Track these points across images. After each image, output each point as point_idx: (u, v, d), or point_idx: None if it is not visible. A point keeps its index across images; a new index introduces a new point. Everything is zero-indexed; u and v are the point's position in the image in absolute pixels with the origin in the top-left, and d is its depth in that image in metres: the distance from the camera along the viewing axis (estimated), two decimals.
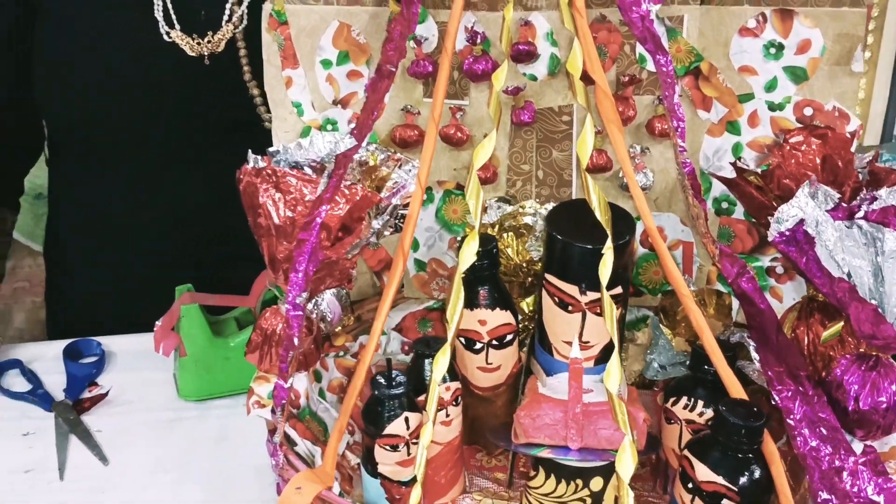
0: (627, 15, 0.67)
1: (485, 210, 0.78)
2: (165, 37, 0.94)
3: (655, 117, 0.74)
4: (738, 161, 0.70)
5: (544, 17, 0.71)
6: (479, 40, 0.72)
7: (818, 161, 0.63)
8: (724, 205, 0.76)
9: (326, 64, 0.75)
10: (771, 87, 0.71)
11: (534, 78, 0.74)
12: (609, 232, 0.58)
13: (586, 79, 0.62)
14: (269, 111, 0.86)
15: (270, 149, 0.68)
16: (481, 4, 0.72)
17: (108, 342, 0.95)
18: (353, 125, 0.76)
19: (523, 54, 0.72)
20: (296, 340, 0.62)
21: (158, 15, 0.94)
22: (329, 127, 0.76)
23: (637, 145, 0.76)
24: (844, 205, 0.60)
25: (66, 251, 1.09)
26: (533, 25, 0.72)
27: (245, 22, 0.96)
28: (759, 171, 0.66)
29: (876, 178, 0.63)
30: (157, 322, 0.85)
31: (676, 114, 0.64)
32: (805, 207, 0.60)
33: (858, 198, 0.61)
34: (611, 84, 0.73)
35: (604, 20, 0.71)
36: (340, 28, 0.74)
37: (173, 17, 0.95)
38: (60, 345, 0.94)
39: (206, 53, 0.95)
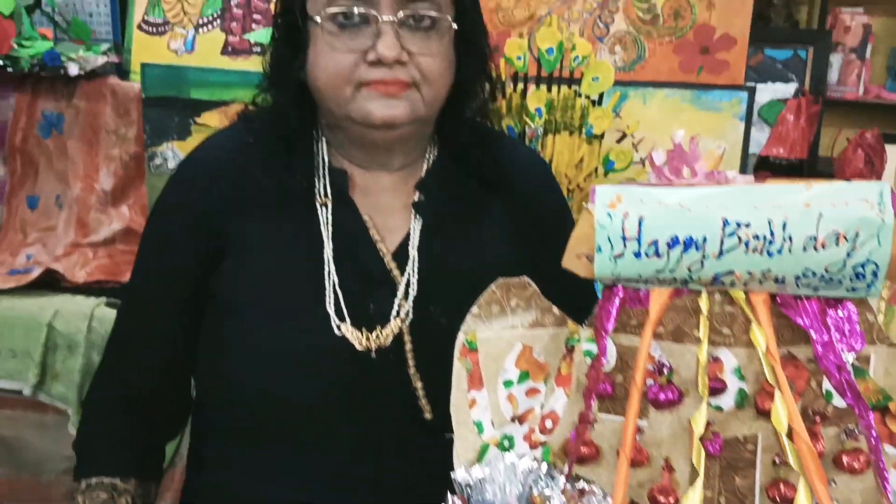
0: (823, 363, 0.67)
1: None
2: (336, 331, 0.94)
3: (843, 451, 0.72)
4: None
5: (732, 353, 0.72)
6: (664, 371, 0.72)
7: None
8: None
9: (508, 384, 0.75)
10: None
11: (720, 409, 0.73)
12: None
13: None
14: (429, 404, 0.93)
15: (456, 477, 0.68)
16: (667, 336, 0.72)
17: None
18: (528, 444, 0.76)
19: (711, 390, 0.71)
20: None
21: (330, 309, 0.95)
22: (506, 443, 0.76)
23: None
24: None
25: None
26: (721, 361, 0.72)
27: (411, 316, 0.96)
28: None
29: None
30: None
31: (884, 475, 0.63)
32: None
33: None
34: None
35: (791, 358, 0.71)
36: (524, 350, 0.75)
37: (345, 310, 0.95)
38: None
39: (373, 348, 0.94)
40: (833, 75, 1.73)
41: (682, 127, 1.64)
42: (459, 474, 0.71)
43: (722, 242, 0.67)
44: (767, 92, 1.64)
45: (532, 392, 0.76)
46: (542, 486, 0.70)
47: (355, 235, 0.98)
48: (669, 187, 0.68)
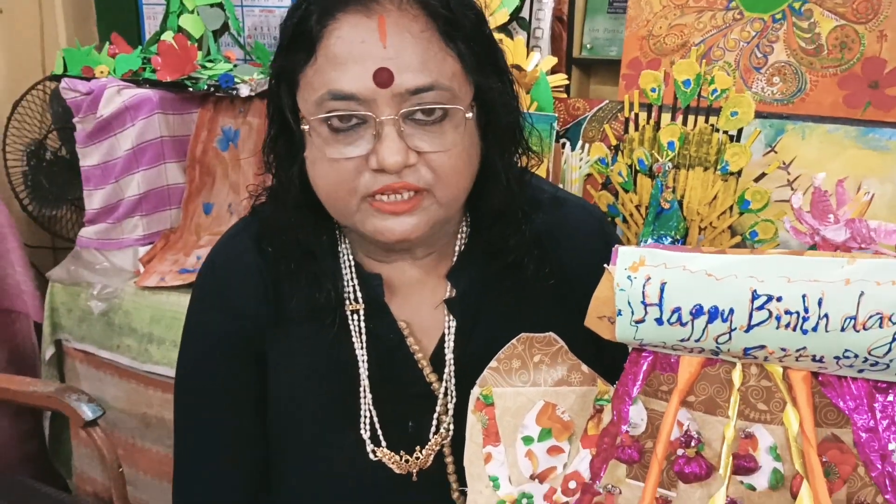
0: (864, 451, 0.61)
1: None
2: (371, 455, 0.88)
3: None
4: None
5: (768, 430, 0.66)
6: (693, 443, 0.68)
7: None
8: None
9: (528, 441, 0.74)
10: None
11: (752, 488, 0.68)
12: None
13: None
14: None
15: None
16: (698, 406, 0.68)
17: None
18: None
19: (743, 469, 0.66)
20: None
21: (365, 433, 0.89)
22: (525, 501, 0.74)
23: None
24: None
25: None
26: (755, 437, 0.67)
27: (452, 431, 0.89)
28: None
29: None
30: None
31: None
32: None
33: None
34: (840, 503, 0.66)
35: (836, 440, 0.65)
36: (545, 407, 0.73)
37: (380, 433, 0.89)
38: None
39: (413, 471, 0.89)
40: None
41: (844, 166, 1.52)
42: None
43: (751, 316, 0.62)
44: None
45: (554, 450, 0.74)
46: None
47: (392, 346, 0.89)
48: (697, 253, 0.64)
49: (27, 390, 1.54)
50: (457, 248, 0.91)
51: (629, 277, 0.65)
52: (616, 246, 0.66)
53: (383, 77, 0.73)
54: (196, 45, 1.92)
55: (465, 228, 0.91)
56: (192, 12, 1.98)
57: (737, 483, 0.68)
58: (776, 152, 1.55)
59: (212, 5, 2.00)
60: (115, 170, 1.87)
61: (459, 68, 0.78)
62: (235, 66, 1.97)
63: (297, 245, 0.88)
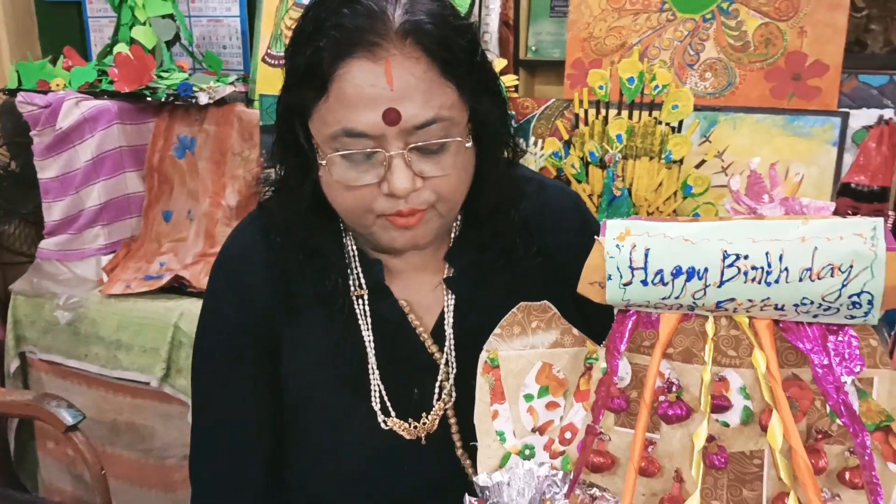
0: (822, 385, 0.72)
1: None
2: (383, 425, 0.97)
3: (846, 468, 0.76)
4: None
5: (738, 373, 0.77)
6: (673, 388, 0.78)
7: None
8: None
9: (528, 398, 0.83)
10: None
11: (726, 425, 0.78)
12: None
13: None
14: (475, 473, 0.85)
15: (477, 481, 0.75)
16: (677, 356, 0.78)
17: None
18: (548, 454, 0.83)
19: (718, 407, 0.77)
20: None
21: (376, 405, 0.97)
22: (527, 452, 0.83)
23: (828, 491, 0.77)
24: None
25: None
26: (727, 380, 0.77)
27: (454, 396, 0.98)
28: None
29: None
30: None
31: (877, 490, 0.66)
32: None
33: None
34: (801, 434, 0.76)
35: (795, 378, 0.76)
36: (543, 367, 0.82)
37: (388, 403, 0.97)
38: None
39: (422, 435, 0.98)
40: None
41: (773, 152, 1.66)
42: (481, 478, 0.79)
43: (722, 273, 0.72)
44: (862, 118, 1.62)
45: (552, 406, 0.83)
46: (555, 490, 0.78)
47: (394, 323, 0.98)
48: (674, 222, 0.74)
49: (5, 399, 1.56)
50: (453, 235, 1.01)
51: (617, 246, 0.74)
52: (604, 220, 0.75)
53: (392, 117, 0.82)
54: (151, 55, 1.96)
55: (459, 217, 1.00)
56: (144, 24, 2.01)
57: (713, 421, 0.78)
58: (710, 142, 1.68)
59: (163, 16, 2.04)
60: (75, 181, 1.89)
61: (457, 97, 0.86)
62: (191, 74, 2.01)
63: (307, 240, 0.96)
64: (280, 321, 0.98)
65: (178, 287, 1.87)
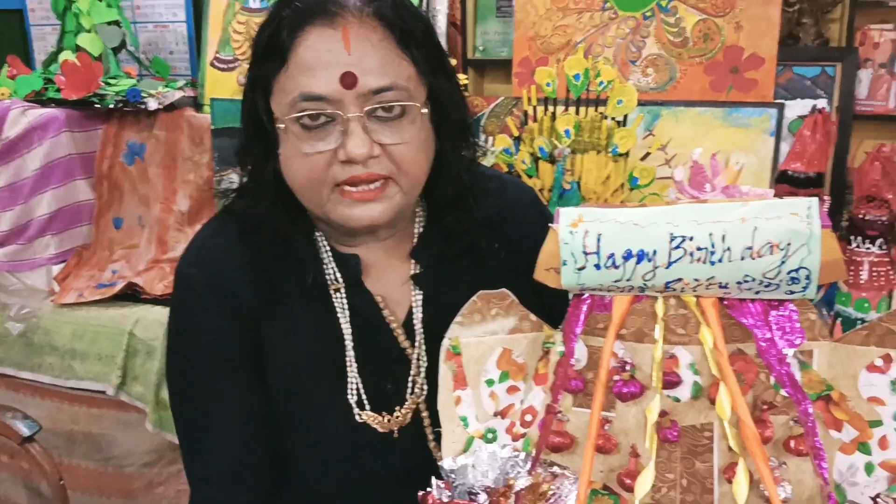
0: (766, 358, 0.76)
1: None
2: (357, 418, 0.99)
3: (791, 437, 0.80)
4: (878, 497, 0.74)
5: (687, 350, 0.81)
6: (627, 367, 0.82)
7: None
8: None
9: (490, 383, 0.86)
10: None
11: (677, 400, 0.82)
12: None
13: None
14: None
15: (442, 464, 0.78)
16: (629, 337, 0.82)
17: None
18: (510, 437, 0.86)
19: (669, 383, 0.80)
20: None
21: (352, 399, 0.99)
22: (490, 435, 0.86)
23: (775, 459, 0.82)
24: None
25: None
26: (677, 357, 0.81)
27: (426, 390, 1.00)
28: None
29: None
30: None
31: (820, 454, 0.71)
32: None
33: None
34: (748, 406, 0.80)
35: (741, 353, 0.80)
36: (503, 353, 0.85)
37: (363, 397, 0.99)
38: None
39: (395, 428, 1.00)
40: (863, 90, 1.77)
41: (714, 143, 1.72)
42: (446, 462, 0.82)
43: (670, 254, 0.76)
44: (797, 108, 1.69)
45: (512, 390, 0.86)
46: (518, 470, 0.81)
47: (370, 317, 0.99)
48: (624, 208, 0.78)
49: None
50: (416, 231, 1.02)
51: (571, 232, 0.78)
52: (558, 208, 0.79)
53: (349, 80, 0.84)
54: (98, 62, 1.94)
55: (421, 213, 1.02)
56: (90, 31, 2.00)
57: (665, 397, 0.82)
58: (654, 135, 1.73)
59: (109, 23, 2.02)
60: (24, 190, 1.87)
61: (414, 71, 0.89)
62: (139, 80, 2.00)
63: (277, 235, 0.96)
64: (263, 319, 0.99)
65: (131, 294, 1.86)
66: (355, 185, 0.88)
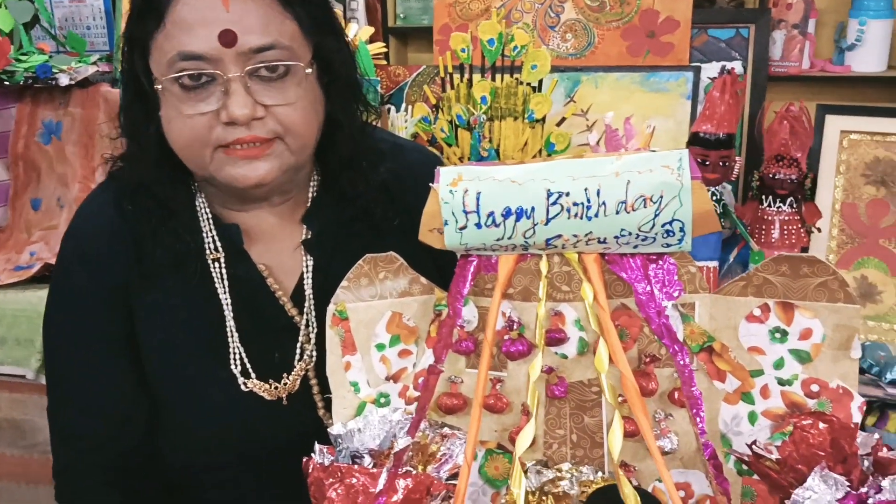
0: (645, 311, 0.76)
1: (525, 473, 0.84)
2: (243, 387, 0.97)
3: (676, 389, 0.81)
4: (754, 444, 0.75)
5: (572, 307, 0.81)
6: (515, 326, 0.82)
7: (828, 447, 0.69)
8: (746, 466, 0.81)
9: (380, 347, 0.85)
10: (779, 365, 0.78)
11: (564, 357, 0.83)
12: None
13: None
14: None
15: (331, 430, 0.78)
16: (516, 296, 0.82)
17: None
18: (403, 401, 0.86)
19: (555, 340, 0.81)
20: None
21: (235, 368, 0.97)
22: (382, 400, 0.86)
23: (661, 411, 0.83)
24: (853, 492, 0.66)
25: None
26: (563, 314, 0.81)
27: (315, 357, 0.99)
28: (773, 458, 0.72)
29: (880, 466, 0.68)
30: None
31: (697, 403, 0.72)
32: (819, 491, 0.66)
33: (866, 485, 0.66)
34: (633, 360, 0.81)
35: (624, 308, 0.81)
36: (393, 316, 0.85)
37: (248, 366, 0.97)
38: None
39: (283, 396, 0.99)
40: (777, 51, 1.79)
41: (634, 108, 1.73)
42: (336, 428, 0.81)
43: (548, 211, 0.76)
44: (713, 70, 1.71)
45: (404, 353, 0.86)
46: (404, 433, 0.80)
47: (253, 287, 0.98)
48: (503, 165, 0.77)
49: None
50: (310, 195, 1.01)
51: (451, 192, 0.77)
52: (437, 167, 0.78)
53: (228, 38, 0.83)
54: (7, 38, 1.88)
55: (315, 177, 1.01)
56: (0, 6, 1.93)
57: (551, 354, 0.82)
58: (575, 102, 1.74)
59: None
60: None
61: (297, 29, 0.87)
62: (51, 57, 1.94)
63: (156, 202, 0.94)
64: (133, 291, 0.97)
65: (49, 276, 1.82)
66: (240, 145, 0.87)
